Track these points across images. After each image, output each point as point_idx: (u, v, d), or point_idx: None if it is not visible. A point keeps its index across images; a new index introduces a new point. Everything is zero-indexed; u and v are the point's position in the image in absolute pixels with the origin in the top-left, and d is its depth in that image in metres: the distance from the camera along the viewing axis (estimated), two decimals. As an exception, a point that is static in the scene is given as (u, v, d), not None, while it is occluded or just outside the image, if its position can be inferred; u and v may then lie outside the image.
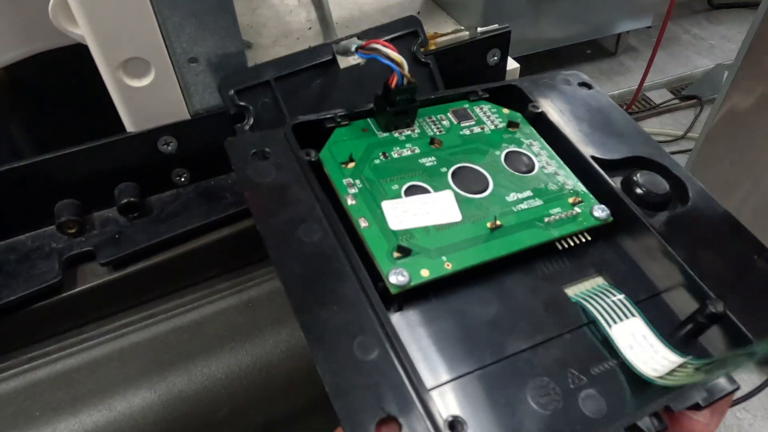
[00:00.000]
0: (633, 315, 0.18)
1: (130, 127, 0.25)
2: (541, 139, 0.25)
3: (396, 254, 0.19)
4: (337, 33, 0.32)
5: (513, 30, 0.29)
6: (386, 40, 0.24)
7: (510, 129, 0.25)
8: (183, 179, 0.27)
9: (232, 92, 0.23)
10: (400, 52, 0.22)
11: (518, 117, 0.25)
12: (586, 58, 2.16)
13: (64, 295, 0.24)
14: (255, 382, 0.25)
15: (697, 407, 0.16)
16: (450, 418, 0.15)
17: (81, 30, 0.24)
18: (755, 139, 1.28)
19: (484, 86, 0.26)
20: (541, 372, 0.17)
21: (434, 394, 0.16)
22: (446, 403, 0.16)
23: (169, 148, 0.26)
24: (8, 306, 0.23)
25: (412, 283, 0.18)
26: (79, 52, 0.28)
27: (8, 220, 0.25)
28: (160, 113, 0.25)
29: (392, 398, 0.15)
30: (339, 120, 0.23)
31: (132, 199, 0.25)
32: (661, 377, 0.16)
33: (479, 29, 0.29)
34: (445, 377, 0.17)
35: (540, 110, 0.25)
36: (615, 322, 0.18)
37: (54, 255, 0.25)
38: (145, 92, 0.24)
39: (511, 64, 0.31)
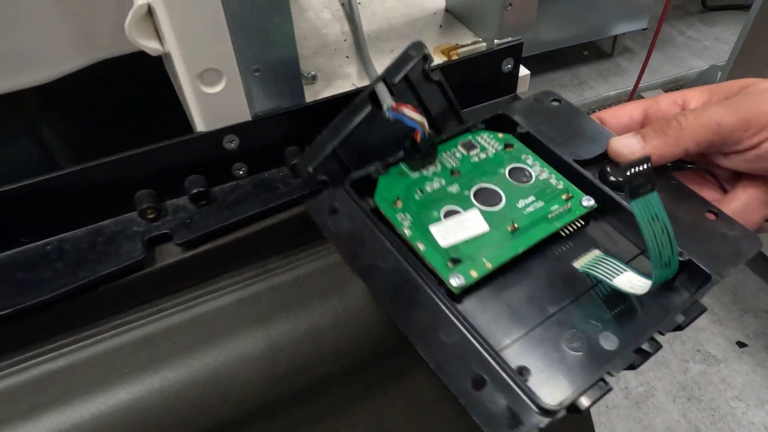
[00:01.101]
0: (625, 270, 0.24)
1: (200, 127, 0.29)
2: (532, 153, 0.30)
3: (450, 264, 0.24)
4: (367, 45, 0.36)
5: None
6: (404, 74, 0.28)
7: (507, 149, 0.30)
8: (242, 172, 0.31)
9: (309, 170, 0.27)
10: (415, 74, 0.27)
11: (511, 138, 0.31)
12: (584, 59, 2.21)
13: (146, 270, 0.28)
14: (306, 347, 0.30)
15: (678, 329, 0.22)
16: (518, 368, 0.21)
17: (164, 45, 0.28)
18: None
19: (480, 119, 0.31)
20: (569, 326, 0.23)
21: (502, 353, 0.22)
22: (512, 358, 0.22)
23: (232, 145, 0.30)
24: (100, 279, 0.27)
25: (468, 283, 0.24)
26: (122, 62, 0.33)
27: (95, 207, 0.29)
28: (226, 115, 0.29)
29: (475, 362, 0.21)
30: (381, 170, 0.28)
31: (201, 189, 0.29)
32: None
33: (495, 41, 0.33)
34: (507, 341, 0.23)
35: (525, 130, 0.31)
36: (614, 276, 0.23)
37: (136, 237, 0.29)
38: (216, 98, 0.28)
39: (523, 71, 0.35)
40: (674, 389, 1.31)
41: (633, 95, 1.94)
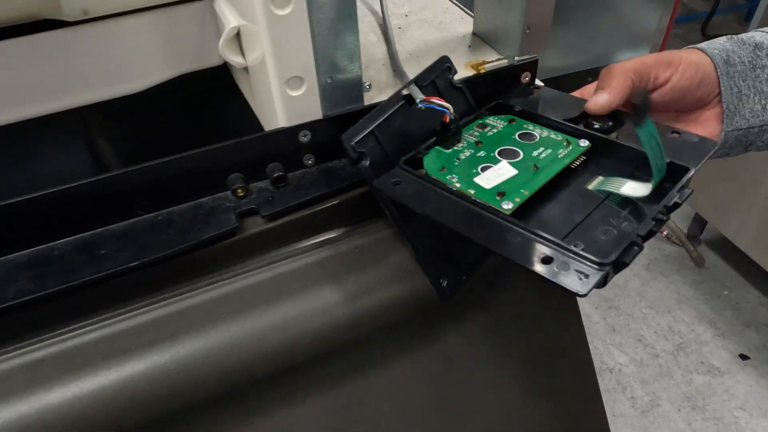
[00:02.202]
0: (627, 182, 0.32)
1: (282, 122, 0.36)
2: (531, 122, 0.39)
3: (498, 197, 0.32)
4: (402, 64, 0.43)
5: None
6: (432, 79, 0.36)
7: (511, 123, 0.39)
8: (310, 162, 0.38)
9: (352, 143, 0.34)
10: (441, 80, 0.36)
11: (511, 116, 0.40)
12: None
13: (238, 237, 0.36)
14: (364, 302, 0.36)
15: (676, 205, 0.30)
16: (573, 246, 0.28)
17: (252, 60, 0.36)
18: (744, 158, 1.39)
19: (486, 107, 0.40)
20: (596, 225, 0.30)
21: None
22: (565, 243, 0.29)
23: (305, 139, 0.37)
24: (203, 242, 0.34)
25: (515, 206, 0.31)
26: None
27: (197, 186, 0.36)
28: (303, 114, 0.36)
29: (540, 248, 0.28)
30: (422, 151, 0.36)
31: (281, 174, 0.37)
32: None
33: (516, 58, 0.41)
34: (560, 235, 0.29)
35: (520, 108, 0.39)
36: (621, 187, 0.31)
37: (230, 211, 0.36)
38: (297, 99, 0.35)
39: (538, 83, 0.43)
40: (679, 399, 1.35)
41: (636, 119, 2.02)
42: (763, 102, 0.40)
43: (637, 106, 0.32)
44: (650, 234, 0.29)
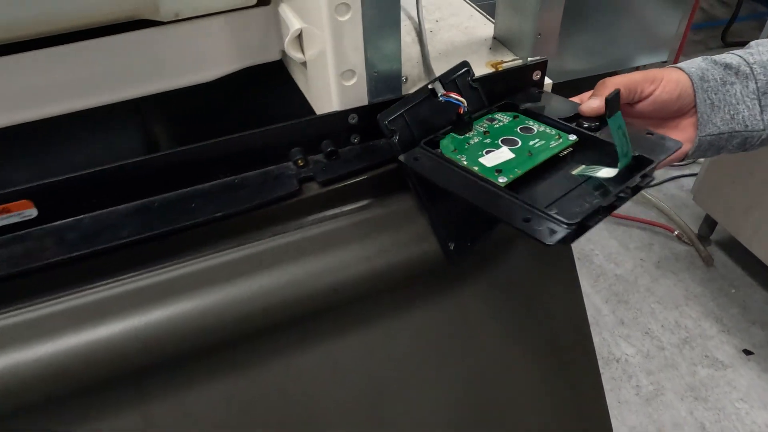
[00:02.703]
0: (602, 168, 0.40)
1: (336, 107, 0.45)
2: (531, 119, 0.46)
3: (496, 173, 0.40)
4: (432, 62, 0.52)
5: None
6: (453, 78, 0.45)
7: (515, 119, 0.47)
8: (356, 141, 0.47)
9: (386, 122, 0.43)
10: (461, 80, 0.45)
11: (516, 113, 0.48)
12: (606, 88, 2.36)
13: (298, 198, 0.44)
14: (389, 256, 0.45)
15: (638, 189, 0.38)
16: (548, 210, 0.36)
17: (311, 56, 0.44)
18: (754, 163, 1.46)
19: (496, 105, 0.48)
20: (573, 200, 0.38)
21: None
22: (543, 208, 0.36)
23: (353, 121, 0.46)
24: (271, 201, 0.43)
25: (509, 180, 0.39)
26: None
27: (266, 157, 0.45)
28: (353, 100, 0.45)
29: (523, 211, 0.36)
30: (440, 136, 0.45)
31: (332, 149, 0.45)
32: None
33: (528, 59, 0.49)
34: (542, 205, 0.37)
35: (525, 107, 0.47)
36: (597, 172, 0.39)
37: (292, 177, 0.44)
38: (349, 89, 0.44)
39: (547, 80, 0.51)
40: (682, 390, 1.42)
41: (652, 122, 2.07)
42: (731, 112, 0.48)
43: (607, 100, 0.39)
44: (612, 207, 0.37)
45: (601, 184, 0.39)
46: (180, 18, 0.48)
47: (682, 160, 0.50)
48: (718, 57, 0.50)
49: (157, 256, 0.42)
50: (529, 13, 0.47)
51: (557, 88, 0.52)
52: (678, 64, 0.49)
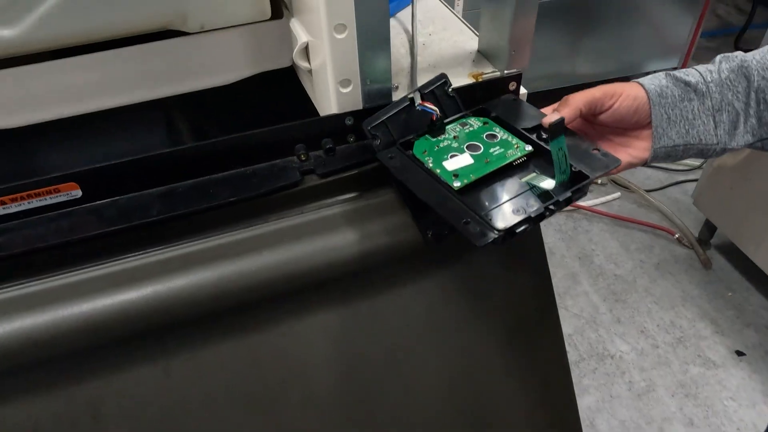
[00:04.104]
0: (546, 179, 0.46)
1: (334, 110, 0.52)
2: (499, 126, 0.53)
3: (453, 177, 0.47)
4: (421, 73, 0.59)
5: (550, 66, 0.53)
6: (432, 89, 0.52)
7: (485, 125, 0.53)
8: (352, 140, 0.54)
9: (369, 128, 0.50)
10: (439, 90, 0.51)
11: (487, 120, 0.54)
12: (615, 92, 2.40)
13: (300, 187, 0.52)
14: (368, 243, 0.52)
15: (568, 201, 0.45)
16: (483, 215, 0.42)
17: (315, 65, 0.52)
18: (753, 171, 1.50)
19: (471, 109, 0.54)
20: (516, 205, 0.44)
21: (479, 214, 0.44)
22: (481, 214, 0.43)
23: (349, 122, 0.53)
24: (277, 189, 0.51)
25: (462, 185, 0.46)
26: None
27: (273, 151, 0.53)
28: (349, 105, 0.52)
29: (465, 215, 0.43)
30: (415, 138, 0.52)
31: (331, 146, 0.53)
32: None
33: (505, 71, 0.56)
34: (482, 210, 0.44)
35: (495, 114, 0.54)
36: (541, 182, 0.45)
37: (295, 169, 0.52)
38: (346, 95, 0.51)
39: (522, 90, 0.58)
40: (674, 386, 1.47)
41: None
42: (687, 127, 0.53)
43: (550, 125, 0.44)
44: (541, 216, 0.43)
45: (542, 194, 0.45)
46: (205, 29, 0.56)
47: (645, 164, 0.56)
48: (680, 73, 0.54)
49: (179, 233, 0.50)
50: (504, 32, 0.54)
51: (569, 91, 0.57)
52: (641, 80, 0.54)
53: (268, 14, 0.57)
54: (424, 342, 0.58)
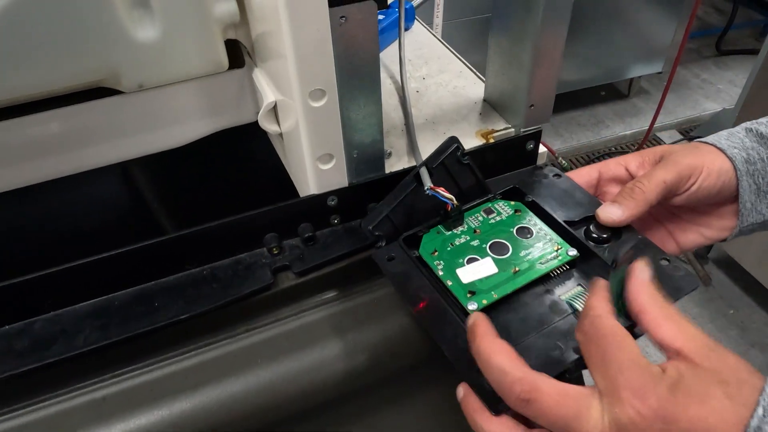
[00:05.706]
0: None
1: (313, 190, 0.41)
2: (535, 216, 0.40)
3: (468, 295, 0.35)
4: (419, 130, 0.47)
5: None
6: (442, 159, 0.40)
7: (516, 213, 0.41)
8: (336, 221, 0.43)
9: (371, 227, 0.38)
10: (450, 159, 0.39)
11: (520, 206, 0.41)
12: (601, 99, 2.33)
13: (272, 291, 0.41)
14: (362, 357, 0.41)
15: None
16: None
17: (287, 129, 0.41)
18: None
19: (498, 191, 0.42)
20: (550, 342, 0.33)
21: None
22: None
23: (333, 203, 0.42)
24: (242, 296, 0.39)
25: (479, 308, 0.34)
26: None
27: (237, 244, 0.41)
28: (331, 182, 0.41)
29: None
30: (424, 230, 0.39)
31: (310, 234, 0.42)
32: None
33: (522, 130, 0.45)
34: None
35: (531, 199, 0.41)
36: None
37: (266, 266, 0.41)
38: (327, 172, 0.40)
39: (541, 149, 0.47)
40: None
41: (648, 135, 2.04)
42: None
43: (617, 263, 0.34)
44: (582, 366, 0.30)
45: None
46: (144, 88, 0.45)
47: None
48: (762, 126, 0.42)
49: (114, 362, 0.38)
50: (520, 78, 0.43)
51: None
52: (715, 141, 0.41)
53: (225, 65, 0.45)
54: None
